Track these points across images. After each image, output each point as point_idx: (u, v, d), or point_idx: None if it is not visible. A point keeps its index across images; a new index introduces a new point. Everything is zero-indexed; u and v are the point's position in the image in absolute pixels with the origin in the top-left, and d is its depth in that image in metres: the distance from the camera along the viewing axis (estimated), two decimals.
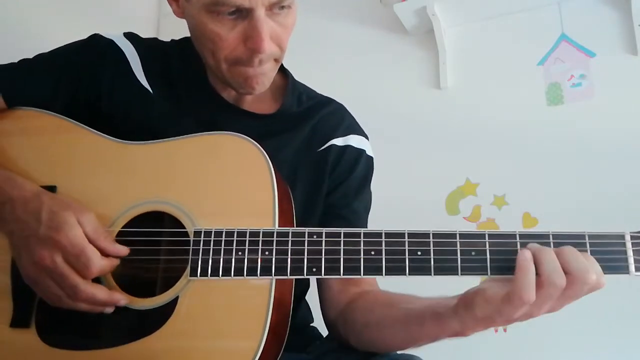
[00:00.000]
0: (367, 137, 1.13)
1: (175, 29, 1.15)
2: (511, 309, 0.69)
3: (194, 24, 0.93)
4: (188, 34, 1.11)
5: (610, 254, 0.72)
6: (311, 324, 1.11)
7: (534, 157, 1.91)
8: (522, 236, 0.73)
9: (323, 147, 1.06)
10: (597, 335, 1.67)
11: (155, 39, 1.13)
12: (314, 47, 2.17)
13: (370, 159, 1.11)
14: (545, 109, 1.94)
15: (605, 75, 1.88)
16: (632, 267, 0.71)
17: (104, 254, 0.81)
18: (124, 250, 0.83)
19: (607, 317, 1.65)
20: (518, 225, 1.88)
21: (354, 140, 1.09)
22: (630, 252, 0.71)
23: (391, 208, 1.92)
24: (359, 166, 1.08)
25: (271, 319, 0.77)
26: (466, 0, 2.04)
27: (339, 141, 1.07)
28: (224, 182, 0.86)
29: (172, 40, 1.12)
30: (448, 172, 2.01)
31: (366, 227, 1.09)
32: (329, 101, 1.13)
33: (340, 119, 1.11)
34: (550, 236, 0.74)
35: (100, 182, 0.90)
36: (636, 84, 1.83)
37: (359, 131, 1.12)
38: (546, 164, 1.88)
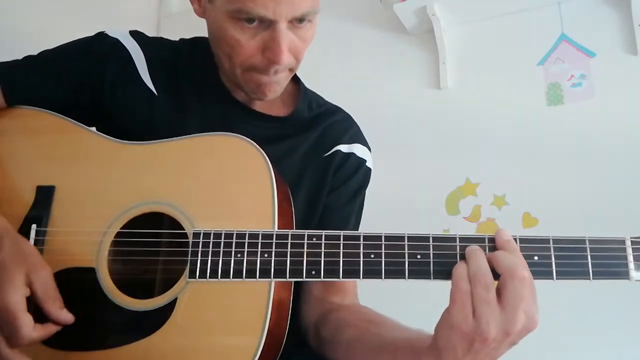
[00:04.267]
0: (370, 149, 1.14)
1: (176, 29, 1.16)
2: (456, 316, 0.68)
3: (214, 27, 0.93)
4: (189, 34, 1.12)
5: (610, 259, 0.71)
6: None
7: (534, 157, 1.91)
8: (522, 240, 0.73)
9: (329, 153, 1.07)
10: (596, 335, 1.67)
11: (162, 38, 1.13)
12: (313, 47, 2.17)
13: (369, 170, 1.12)
14: (545, 109, 1.94)
15: (605, 75, 1.88)
16: (632, 272, 0.70)
17: (47, 317, 0.78)
18: (68, 318, 0.79)
19: (608, 317, 1.65)
20: (518, 225, 1.88)
21: (358, 149, 1.10)
22: (630, 258, 0.70)
23: (391, 208, 1.93)
24: (357, 175, 1.09)
25: (270, 321, 0.77)
26: (466, 0, 2.04)
27: (344, 148, 1.08)
28: (224, 184, 0.86)
29: (182, 39, 1.12)
30: (448, 172, 2.02)
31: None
32: (337, 110, 1.15)
33: (347, 127, 1.12)
34: (551, 241, 0.72)
35: (100, 182, 0.90)
36: (636, 84, 1.83)
37: (363, 142, 1.13)
38: (546, 164, 1.88)
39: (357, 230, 1.11)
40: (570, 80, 1.93)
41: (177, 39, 1.13)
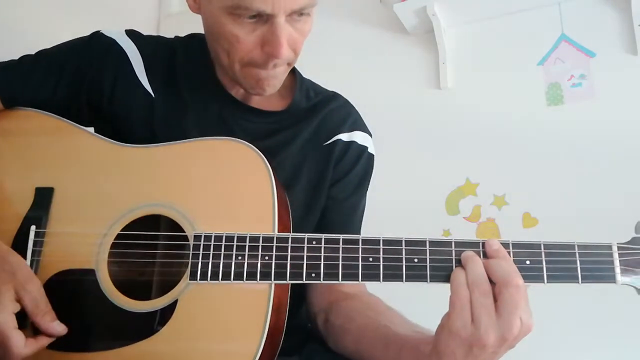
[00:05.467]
0: (370, 135, 1.14)
1: (176, 30, 1.15)
2: (455, 322, 0.69)
3: (211, 23, 0.93)
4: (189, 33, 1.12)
5: (598, 263, 0.73)
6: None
7: (534, 157, 1.91)
8: (515, 245, 0.75)
9: (329, 142, 1.06)
10: (596, 337, 1.67)
11: (158, 36, 1.12)
12: (313, 47, 2.17)
13: (372, 156, 1.12)
14: (545, 109, 1.95)
15: (605, 75, 1.88)
16: (618, 276, 0.73)
17: (41, 328, 0.79)
18: (60, 329, 0.80)
19: (607, 317, 1.66)
20: (518, 225, 1.89)
21: (358, 137, 1.10)
22: (617, 262, 0.73)
23: (391, 208, 1.94)
24: (360, 163, 1.09)
25: (270, 322, 0.77)
26: (466, 0, 2.04)
27: (344, 136, 1.08)
28: (224, 188, 0.86)
29: (176, 37, 1.11)
30: (448, 172, 2.02)
31: (360, 222, 1.11)
32: (335, 96, 1.14)
33: (346, 114, 1.12)
34: (542, 246, 0.74)
35: (99, 184, 0.90)
36: (636, 84, 1.83)
37: (363, 128, 1.13)
38: (546, 164, 1.88)
39: (362, 217, 1.12)
40: (570, 80, 1.94)
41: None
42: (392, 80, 2.19)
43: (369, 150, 1.11)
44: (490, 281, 0.71)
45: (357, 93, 2.00)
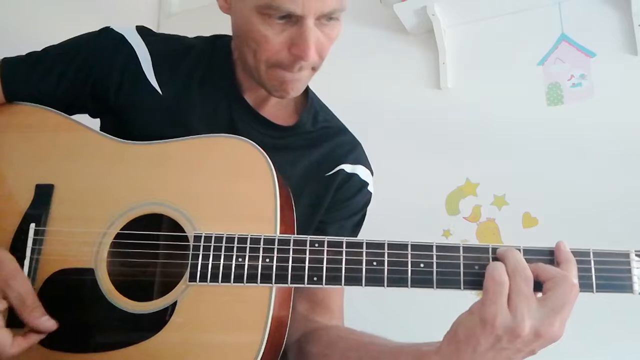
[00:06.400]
0: (372, 173, 1.13)
1: (175, 30, 1.14)
2: (489, 308, 0.67)
3: (241, 22, 0.92)
4: (189, 35, 1.11)
5: (614, 272, 0.70)
6: None
7: (534, 157, 1.91)
8: (526, 252, 0.72)
9: (332, 172, 1.06)
10: (597, 339, 1.67)
11: (173, 35, 1.11)
12: None
13: (370, 194, 1.11)
14: (545, 109, 1.95)
15: (605, 75, 1.88)
16: (636, 286, 0.69)
17: (29, 325, 0.78)
18: (49, 325, 0.79)
19: (609, 321, 1.65)
20: (518, 225, 1.88)
21: (361, 171, 1.09)
22: (635, 272, 0.69)
23: (391, 208, 1.93)
24: (358, 197, 1.08)
25: (270, 326, 0.76)
26: (466, 0, 2.04)
27: (347, 167, 1.07)
28: (226, 186, 0.85)
29: (199, 36, 1.10)
30: (448, 172, 2.02)
31: None
32: (344, 130, 1.14)
33: (352, 148, 1.11)
34: (554, 252, 0.72)
35: (100, 182, 0.89)
36: (636, 84, 1.83)
37: (366, 165, 1.12)
38: (546, 164, 1.88)
39: None
40: (570, 80, 1.93)
41: None
42: (392, 80, 2.18)
43: (369, 187, 1.10)
44: (537, 285, 0.68)
45: (357, 93, 2.01)
